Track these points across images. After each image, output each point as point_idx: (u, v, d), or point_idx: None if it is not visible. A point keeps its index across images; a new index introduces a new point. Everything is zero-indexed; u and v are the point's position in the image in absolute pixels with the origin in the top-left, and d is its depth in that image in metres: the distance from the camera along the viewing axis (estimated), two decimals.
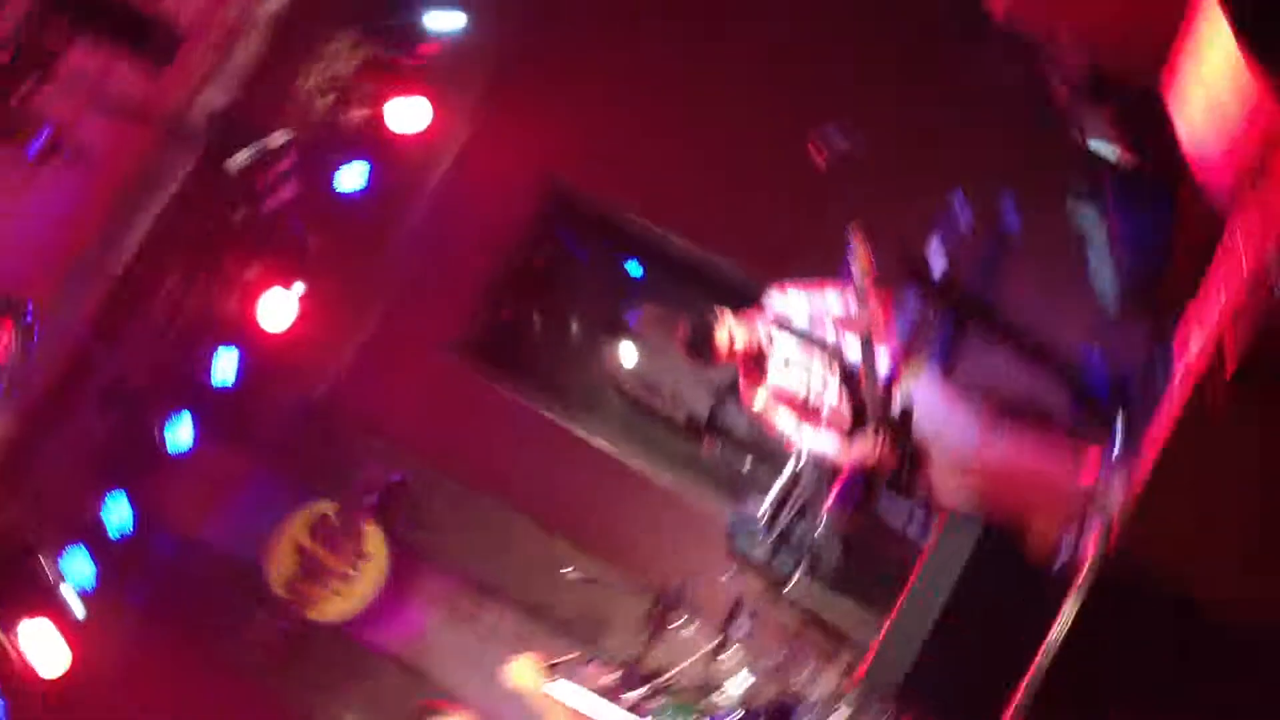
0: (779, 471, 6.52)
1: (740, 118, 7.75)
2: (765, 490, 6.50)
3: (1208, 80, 3.95)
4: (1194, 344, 3.86)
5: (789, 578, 6.49)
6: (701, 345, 5.17)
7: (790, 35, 7.71)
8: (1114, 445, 5.44)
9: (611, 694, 6.64)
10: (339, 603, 7.47)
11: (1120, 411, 5.43)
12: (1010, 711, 4.28)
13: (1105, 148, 4.90)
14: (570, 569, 6.56)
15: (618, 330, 8.10)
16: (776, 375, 5.16)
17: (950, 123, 7.26)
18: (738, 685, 6.47)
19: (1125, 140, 4.84)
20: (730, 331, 5.14)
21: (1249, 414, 3.51)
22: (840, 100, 6.86)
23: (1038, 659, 4.16)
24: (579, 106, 7.82)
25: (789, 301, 5.21)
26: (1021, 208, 6.08)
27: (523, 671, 5.05)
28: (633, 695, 6.61)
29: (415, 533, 7.59)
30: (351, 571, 7.45)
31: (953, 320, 5.83)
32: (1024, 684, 4.17)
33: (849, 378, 4.99)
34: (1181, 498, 3.81)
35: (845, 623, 6.40)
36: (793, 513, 6.49)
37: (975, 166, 6.65)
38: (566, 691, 5.04)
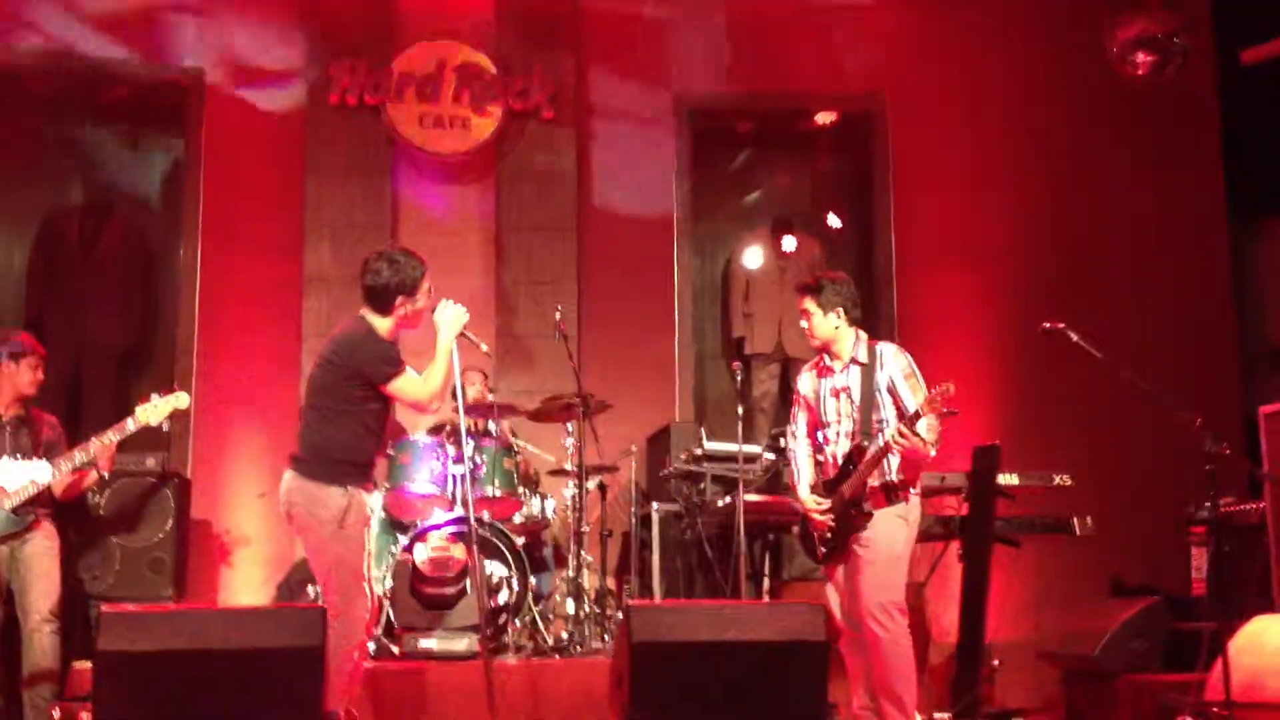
0: (752, 441, 6.66)
1: None
2: (729, 440, 6.59)
3: None
4: None
5: (667, 505, 6.68)
6: (811, 293, 5.08)
7: None
8: None
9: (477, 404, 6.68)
10: None
11: None
12: None
13: None
14: (560, 311, 6.61)
15: (778, 228, 8.20)
16: (828, 390, 5.12)
17: None
18: (544, 506, 6.64)
19: None
20: (837, 319, 5.05)
21: None
22: None
23: None
24: None
25: (899, 360, 5.08)
26: None
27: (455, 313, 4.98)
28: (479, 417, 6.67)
29: None
30: None
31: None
32: None
33: (856, 455, 4.96)
34: None
35: (648, 569, 6.61)
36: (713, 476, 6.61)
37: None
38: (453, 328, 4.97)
